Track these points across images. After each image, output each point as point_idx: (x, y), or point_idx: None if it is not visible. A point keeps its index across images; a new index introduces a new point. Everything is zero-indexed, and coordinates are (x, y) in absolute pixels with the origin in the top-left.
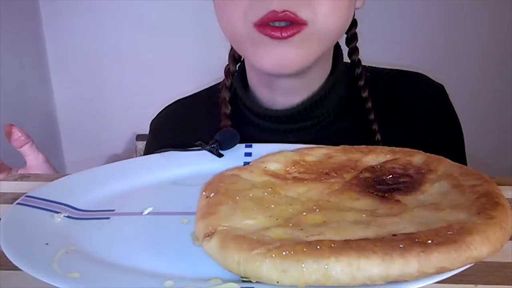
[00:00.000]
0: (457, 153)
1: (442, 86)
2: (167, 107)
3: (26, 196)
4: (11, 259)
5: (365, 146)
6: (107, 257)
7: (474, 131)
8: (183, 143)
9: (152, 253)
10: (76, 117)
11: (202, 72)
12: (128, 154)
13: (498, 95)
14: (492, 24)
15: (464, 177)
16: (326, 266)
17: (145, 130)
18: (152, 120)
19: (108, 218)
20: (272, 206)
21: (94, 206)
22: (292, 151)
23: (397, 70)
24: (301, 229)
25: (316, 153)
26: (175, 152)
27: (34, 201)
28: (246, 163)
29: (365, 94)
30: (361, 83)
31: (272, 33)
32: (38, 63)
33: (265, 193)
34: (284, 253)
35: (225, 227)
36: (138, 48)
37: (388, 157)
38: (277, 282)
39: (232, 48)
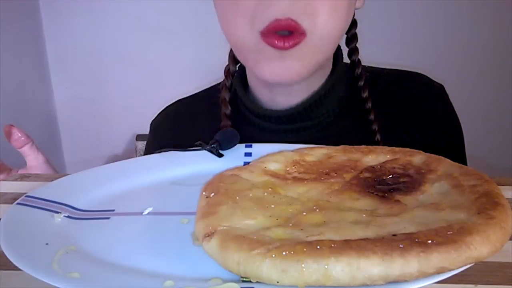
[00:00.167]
0: (457, 153)
1: (442, 86)
2: (167, 107)
3: (26, 196)
4: (11, 259)
5: (365, 146)
6: (107, 257)
7: (474, 131)
8: (183, 143)
9: (152, 253)
10: (76, 117)
11: (202, 72)
12: (128, 154)
13: (498, 95)
14: (492, 24)
15: (464, 177)
16: (326, 266)
17: (145, 130)
18: (152, 120)
19: (108, 218)
20: (272, 206)
21: (94, 206)
22: (292, 151)
23: (397, 70)
24: (301, 229)
25: (316, 153)
26: (175, 152)
27: (34, 201)
28: (246, 163)
29: (365, 94)
30: (361, 83)
31: (277, 42)
32: (38, 63)
33: (265, 193)
34: (284, 253)
35: (225, 227)
36: (138, 48)
37: (388, 157)
38: (277, 282)
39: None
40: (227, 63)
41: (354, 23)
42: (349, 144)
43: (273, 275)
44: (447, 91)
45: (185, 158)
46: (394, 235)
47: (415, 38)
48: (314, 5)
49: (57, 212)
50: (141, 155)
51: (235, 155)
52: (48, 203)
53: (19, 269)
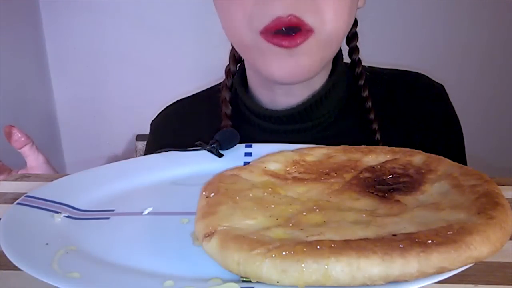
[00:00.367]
0: (457, 153)
1: (442, 86)
2: (167, 107)
3: (26, 196)
4: (11, 259)
5: (365, 146)
6: (107, 257)
7: (474, 131)
8: (183, 143)
9: (152, 253)
10: (76, 117)
11: (202, 72)
12: (128, 154)
13: (498, 95)
14: (492, 24)
15: (464, 177)
16: (326, 266)
17: (145, 130)
18: (153, 120)
19: (108, 218)
20: (272, 206)
21: (94, 206)
22: (292, 151)
23: (397, 70)
24: (301, 229)
25: (316, 153)
26: (175, 152)
27: (34, 201)
28: (246, 163)
29: (365, 93)
30: (361, 82)
31: (282, 42)
32: (38, 63)
33: (265, 193)
34: (284, 253)
35: (225, 227)
36: (138, 48)
37: (388, 157)
38: (277, 282)
39: (232, 48)
40: (227, 63)
41: (354, 22)
42: (349, 144)
43: (273, 275)
44: (447, 91)
45: (185, 158)
46: (394, 235)
47: (415, 38)
48: (318, 2)
49: (57, 212)
50: (141, 155)
51: (235, 155)
52: (48, 203)
53: (19, 269)
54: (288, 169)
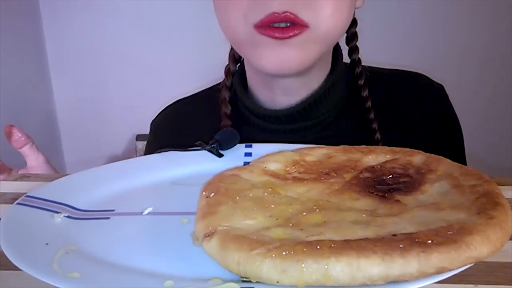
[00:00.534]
0: (457, 153)
1: (442, 86)
2: (167, 107)
3: (26, 196)
4: (11, 259)
5: (365, 146)
6: (107, 257)
7: (474, 131)
8: (183, 143)
9: (152, 253)
10: (76, 117)
11: (202, 72)
12: (128, 154)
13: (498, 95)
14: (492, 24)
15: (464, 177)
16: (326, 266)
17: (145, 130)
18: (152, 120)
19: (108, 218)
20: (272, 206)
21: (94, 206)
22: (292, 151)
23: (397, 70)
24: (301, 229)
25: (316, 153)
26: (175, 152)
27: (34, 201)
28: (246, 163)
29: (365, 93)
30: (361, 82)
31: (274, 34)
32: (38, 63)
33: (265, 193)
34: (284, 253)
35: (225, 227)
36: (138, 48)
37: (388, 157)
38: (277, 282)
39: (232, 48)
40: (227, 63)
41: (354, 22)
42: (349, 144)
43: (273, 275)
44: (447, 91)
45: (185, 158)
46: (394, 235)
47: (415, 38)
48: (314, 0)
49: (57, 212)
50: (141, 155)
51: (235, 155)
52: (48, 203)
53: (19, 269)
54: (288, 169)
